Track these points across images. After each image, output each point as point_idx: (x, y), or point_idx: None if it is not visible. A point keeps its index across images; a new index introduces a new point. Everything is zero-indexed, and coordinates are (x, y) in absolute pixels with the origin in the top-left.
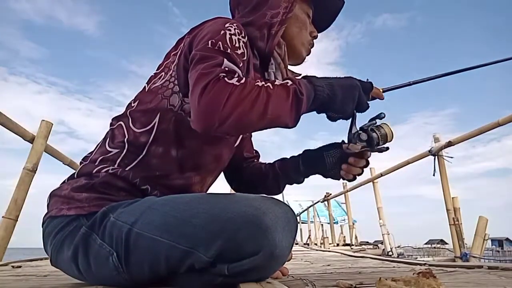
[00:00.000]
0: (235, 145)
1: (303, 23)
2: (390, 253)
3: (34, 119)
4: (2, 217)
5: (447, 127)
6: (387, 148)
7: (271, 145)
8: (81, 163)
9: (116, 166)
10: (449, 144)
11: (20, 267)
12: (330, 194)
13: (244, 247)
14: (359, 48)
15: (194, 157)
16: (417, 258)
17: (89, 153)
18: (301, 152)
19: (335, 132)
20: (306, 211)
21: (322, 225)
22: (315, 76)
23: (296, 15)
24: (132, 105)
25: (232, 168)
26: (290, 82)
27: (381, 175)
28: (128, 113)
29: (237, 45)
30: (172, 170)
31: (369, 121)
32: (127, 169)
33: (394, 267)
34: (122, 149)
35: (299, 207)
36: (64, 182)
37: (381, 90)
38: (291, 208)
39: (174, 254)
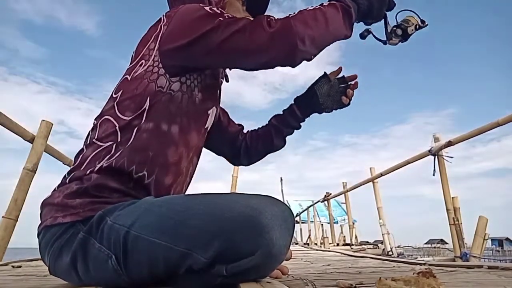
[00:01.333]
0: (207, 122)
1: (237, 7)
2: (390, 253)
3: (34, 119)
4: (2, 217)
5: (447, 127)
6: (427, 24)
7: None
8: (71, 170)
9: (111, 155)
10: (449, 144)
11: (20, 267)
12: (330, 194)
13: (241, 247)
14: (359, 48)
15: (184, 132)
16: (417, 258)
17: (75, 158)
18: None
19: (335, 132)
20: (306, 211)
21: (322, 225)
22: None
23: (230, 1)
24: (114, 96)
25: (234, 148)
26: (334, 1)
27: (381, 175)
28: (114, 104)
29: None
30: (166, 146)
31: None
32: (121, 155)
33: (394, 267)
34: (116, 138)
35: (299, 207)
36: (55, 190)
37: None
38: (288, 207)
39: (172, 256)
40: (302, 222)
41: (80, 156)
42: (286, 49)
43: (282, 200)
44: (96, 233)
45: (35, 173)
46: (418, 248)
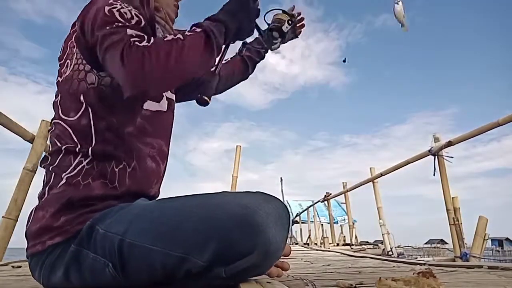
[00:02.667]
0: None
1: None
2: (390, 253)
3: (34, 119)
4: (2, 217)
5: (447, 127)
6: (299, 13)
7: (271, 145)
8: (47, 182)
9: (86, 154)
10: (449, 144)
11: (20, 267)
12: (330, 194)
13: (238, 247)
14: (359, 48)
15: (131, 121)
16: (417, 258)
17: (45, 164)
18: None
19: (335, 132)
20: (306, 211)
21: (322, 225)
22: (213, 15)
23: None
24: (55, 100)
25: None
26: (198, 29)
27: (381, 175)
28: (58, 107)
29: (129, 16)
30: (125, 141)
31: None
32: (98, 148)
33: (394, 267)
34: (73, 141)
35: (299, 207)
36: (37, 208)
37: None
38: (282, 202)
39: (170, 261)
40: (302, 222)
41: (49, 162)
42: (134, 90)
43: (277, 197)
44: (88, 244)
45: (35, 173)
46: (418, 248)
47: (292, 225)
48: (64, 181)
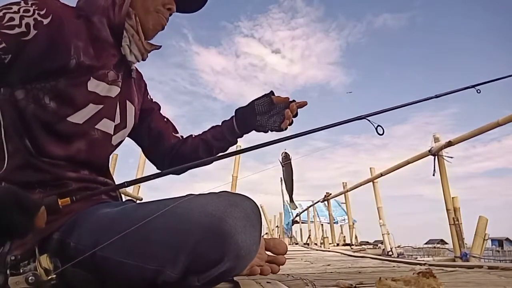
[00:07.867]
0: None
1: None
2: (390, 253)
3: None
4: None
5: (447, 127)
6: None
7: (272, 145)
8: None
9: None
10: (449, 144)
11: None
12: (330, 194)
13: (208, 257)
14: (359, 48)
15: (44, 145)
16: (417, 258)
17: None
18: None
19: (335, 132)
20: (306, 211)
21: (322, 225)
22: None
23: None
24: None
25: (164, 157)
26: None
27: (381, 175)
28: None
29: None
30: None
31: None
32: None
33: (394, 267)
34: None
35: (299, 207)
36: None
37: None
38: (250, 200)
39: (146, 274)
40: (302, 222)
41: None
42: None
43: (243, 195)
44: (63, 258)
45: None
46: (418, 248)
47: (292, 225)
48: None
